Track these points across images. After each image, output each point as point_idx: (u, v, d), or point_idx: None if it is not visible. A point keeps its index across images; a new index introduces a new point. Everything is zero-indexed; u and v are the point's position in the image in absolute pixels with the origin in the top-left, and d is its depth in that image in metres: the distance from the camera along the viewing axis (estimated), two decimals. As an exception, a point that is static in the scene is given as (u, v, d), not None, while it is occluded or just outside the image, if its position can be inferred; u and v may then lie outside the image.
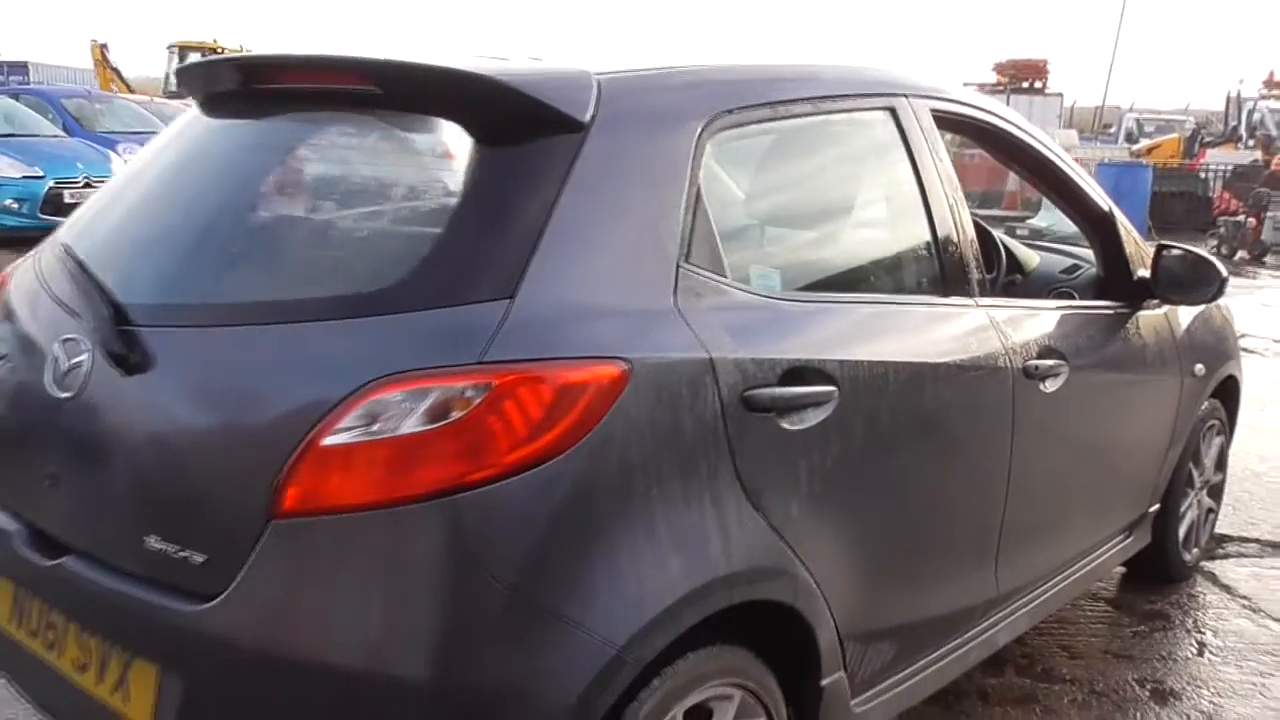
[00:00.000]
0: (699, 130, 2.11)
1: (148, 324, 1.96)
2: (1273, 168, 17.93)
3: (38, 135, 12.92)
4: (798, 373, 2.10)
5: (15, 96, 14.39)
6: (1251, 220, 15.26)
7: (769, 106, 2.32)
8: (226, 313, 1.95)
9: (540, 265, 1.83)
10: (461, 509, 1.71)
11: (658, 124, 2.08)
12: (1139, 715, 3.12)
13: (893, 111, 2.61)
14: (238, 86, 2.32)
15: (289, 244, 2.19)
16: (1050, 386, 2.84)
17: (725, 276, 2.08)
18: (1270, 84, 31.18)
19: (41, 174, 11.81)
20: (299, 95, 2.23)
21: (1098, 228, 3.39)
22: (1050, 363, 2.83)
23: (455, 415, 1.71)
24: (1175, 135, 25.61)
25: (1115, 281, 3.39)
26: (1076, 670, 3.35)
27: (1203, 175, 19.41)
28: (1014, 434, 2.72)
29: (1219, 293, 3.40)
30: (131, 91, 25.72)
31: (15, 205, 11.43)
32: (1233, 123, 25.58)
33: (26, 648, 2.15)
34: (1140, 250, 3.44)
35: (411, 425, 1.71)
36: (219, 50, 29.40)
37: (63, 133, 13.47)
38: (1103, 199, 3.37)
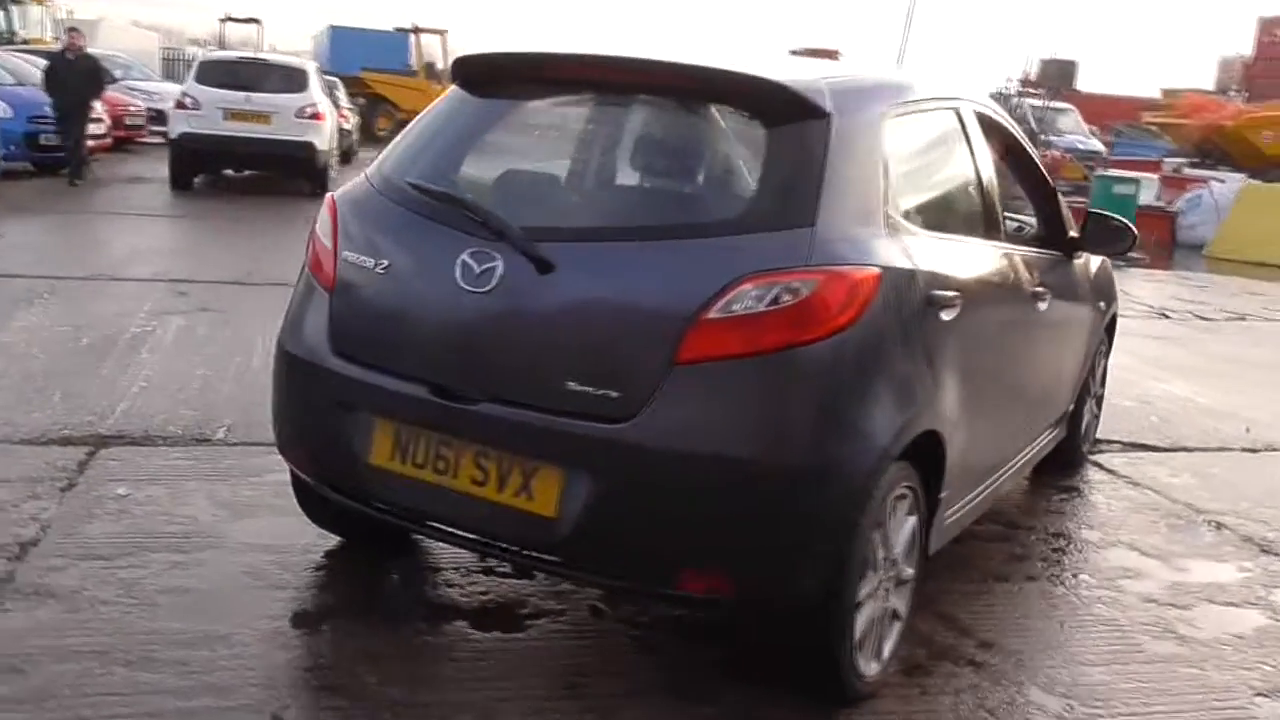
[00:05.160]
0: (881, 118, 3.16)
1: (551, 240, 2.85)
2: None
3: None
4: (945, 282, 3.18)
5: None
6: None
7: (906, 104, 3.39)
8: (626, 233, 2.88)
9: (823, 205, 2.84)
10: (797, 358, 2.71)
11: (861, 112, 3.11)
12: (1073, 547, 4.39)
13: (957, 113, 3.74)
14: (593, 79, 3.25)
15: (664, 189, 3.16)
16: (1042, 306, 4.04)
17: (901, 217, 3.13)
18: (1026, 83, 34.39)
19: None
20: (634, 87, 3.19)
21: (1048, 199, 4.62)
22: (1042, 289, 4.03)
23: (791, 300, 2.70)
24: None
25: (1054, 237, 4.62)
26: (1030, 521, 4.62)
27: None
28: (1028, 337, 3.90)
29: (1131, 247, 4.70)
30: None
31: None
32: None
33: (412, 478, 2.99)
34: (1070, 216, 4.70)
35: (764, 306, 2.69)
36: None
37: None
38: (1050, 180, 4.61)
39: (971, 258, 3.50)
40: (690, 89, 3.11)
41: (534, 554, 2.89)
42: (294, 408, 3.32)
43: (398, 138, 3.45)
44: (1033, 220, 4.76)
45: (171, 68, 32.55)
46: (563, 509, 2.79)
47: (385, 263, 3.09)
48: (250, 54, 17.79)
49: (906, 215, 3.19)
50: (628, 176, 3.31)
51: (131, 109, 18.60)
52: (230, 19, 29.58)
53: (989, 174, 3.81)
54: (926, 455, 3.16)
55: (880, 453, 2.82)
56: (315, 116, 14.32)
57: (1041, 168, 4.56)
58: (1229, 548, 4.48)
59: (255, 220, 12.45)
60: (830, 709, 3.02)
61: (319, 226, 3.30)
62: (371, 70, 29.91)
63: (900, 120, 3.32)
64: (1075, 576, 4.07)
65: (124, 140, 18.24)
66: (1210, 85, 39.05)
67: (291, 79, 14.68)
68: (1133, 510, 4.84)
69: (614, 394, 2.74)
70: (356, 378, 3.07)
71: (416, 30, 31.90)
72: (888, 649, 3.17)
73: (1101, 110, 34.43)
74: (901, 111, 3.33)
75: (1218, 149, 23.37)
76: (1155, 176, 19.83)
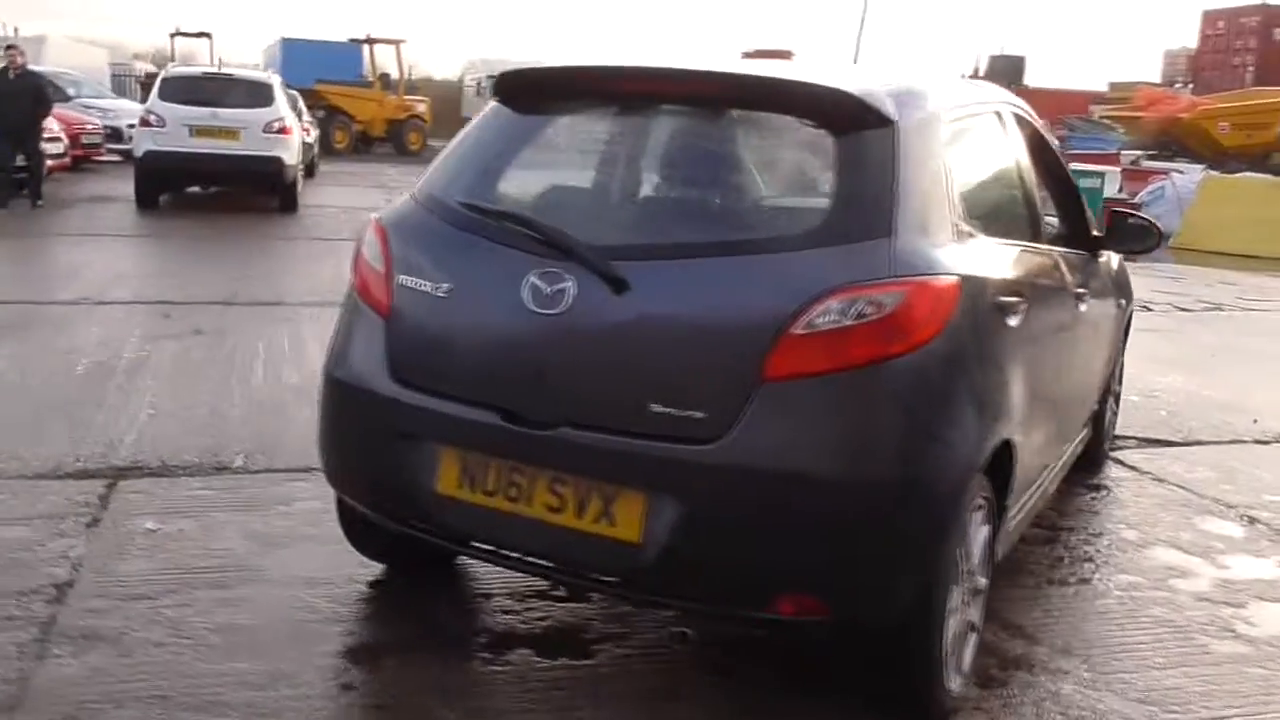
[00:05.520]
0: (938, 123, 3.12)
1: (621, 258, 2.77)
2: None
3: None
4: (1010, 288, 3.15)
5: None
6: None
7: (956, 107, 3.36)
8: (699, 249, 2.79)
9: (899, 215, 2.79)
10: (885, 372, 2.66)
11: (922, 118, 3.07)
12: (1115, 547, 4.37)
13: (998, 114, 3.72)
14: (644, 92, 3.18)
15: (732, 202, 3.07)
16: (1083, 308, 4.02)
17: (965, 223, 3.09)
18: (975, 79, 34.67)
19: None
20: (688, 99, 3.11)
21: (1071, 198, 4.60)
22: (1083, 290, 4.01)
23: (878, 313, 2.65)
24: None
25: (1079, 236, 4.60)
26: (1069, 521, 4.60)
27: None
28: (1074, 338, 3.89)
29: (1155, 245, 4.70)
30: None
31: None
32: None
33: (482, 505, 2.90)
34: (1092, 215, 4.69)
35: (849, 320, 2.64)
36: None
37: None
38: (1074, 180, 4.60)
39: (1027, 261, 3.47)
40: (749, 99, 3.06)
41: (616, 580, 2.82)
42: (348, 437, 3.21)
43: (441, 156, 3.36)
44: (1055, 219, 4.77)
45: (122, 84, 31.95)
46: (647, 534, 2.71)
47: (445, 286, 2.99)
48: (215, 69, 17.48)
49: (969, 221, 3.15)
50: (691, 191, 3.22)
51: (88, 127, 18.28)
52: (180, 33, 29.14)
53: (1031, 176, 3.80)
54: (998, 463, 3.12)
55: (968, 464, 2.78)
56: (283, 131, 14.11)
57: (1066, 166, 4.55)
58: (1265, 542, 4.49)
59: (227, 238, 12.26)
60: (917, 727, 2.98)
61: (366, 250, 3.20)
62: (326, 82, 29.63)
63: (954, 125, 3.28)
64: (1125, 577, 4.05)
65: (81, 159, 17.91)
66: (1156, 77, 39.73)
67: (257, 93, 14.46)
68: (1163, 507, 4.84)
69: (698, 414, 2.67)
70: (420, 405, 2.97)
71: (370, 41, 31.63)
72: (967, 661, 3.13)
73: (1051, 104, 34.81)
74: (954, 116, 3.30)
75: (1175, 141, 23.72)
76: (1116, 169, 20.04)
